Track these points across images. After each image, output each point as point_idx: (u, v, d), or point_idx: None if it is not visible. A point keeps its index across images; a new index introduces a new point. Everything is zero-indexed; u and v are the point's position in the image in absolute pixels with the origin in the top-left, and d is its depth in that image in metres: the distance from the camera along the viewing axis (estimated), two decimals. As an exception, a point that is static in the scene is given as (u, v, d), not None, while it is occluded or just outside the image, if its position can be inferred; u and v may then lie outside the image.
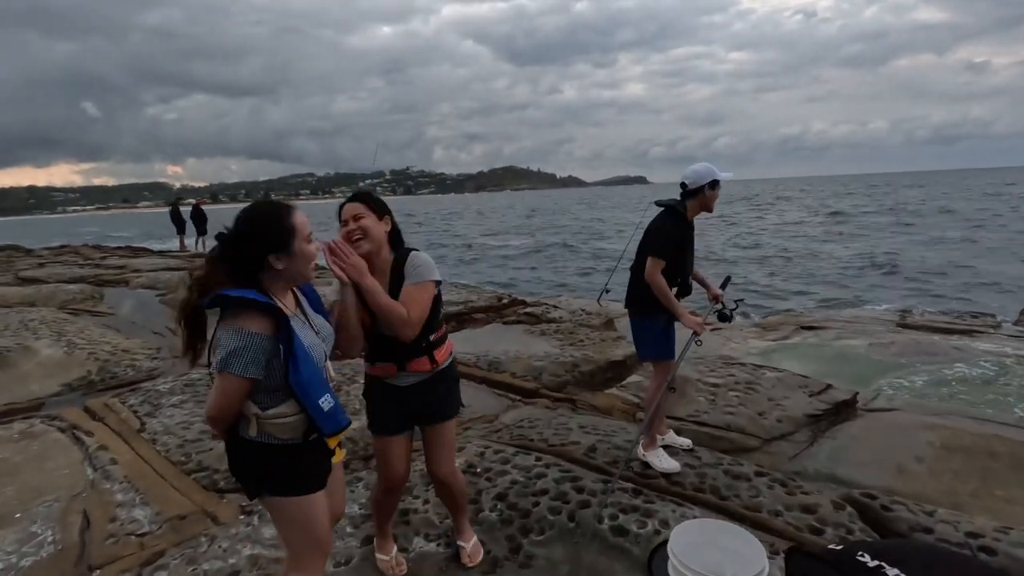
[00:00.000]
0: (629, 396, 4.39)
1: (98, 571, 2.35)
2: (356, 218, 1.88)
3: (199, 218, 17.80)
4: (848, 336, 6.98)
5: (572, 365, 4.91)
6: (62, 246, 22.78)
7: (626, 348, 5.45)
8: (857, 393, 4.34)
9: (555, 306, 7.67)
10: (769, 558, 1.82)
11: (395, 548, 2.30)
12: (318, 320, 1.73)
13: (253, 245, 1.55)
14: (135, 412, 4.01)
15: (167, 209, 19.38)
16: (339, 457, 1.74)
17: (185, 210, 18.44)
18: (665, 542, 2.01)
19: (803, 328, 7.62)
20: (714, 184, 2.85)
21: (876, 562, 1.29)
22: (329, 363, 1.71)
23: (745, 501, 2.63)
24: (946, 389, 4.98)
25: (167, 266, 13.23)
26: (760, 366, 4.92)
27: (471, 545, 2.29)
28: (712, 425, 3.73)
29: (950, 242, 21.86)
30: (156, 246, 22.38)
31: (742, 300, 3.21)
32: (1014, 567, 2.11)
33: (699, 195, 2.88)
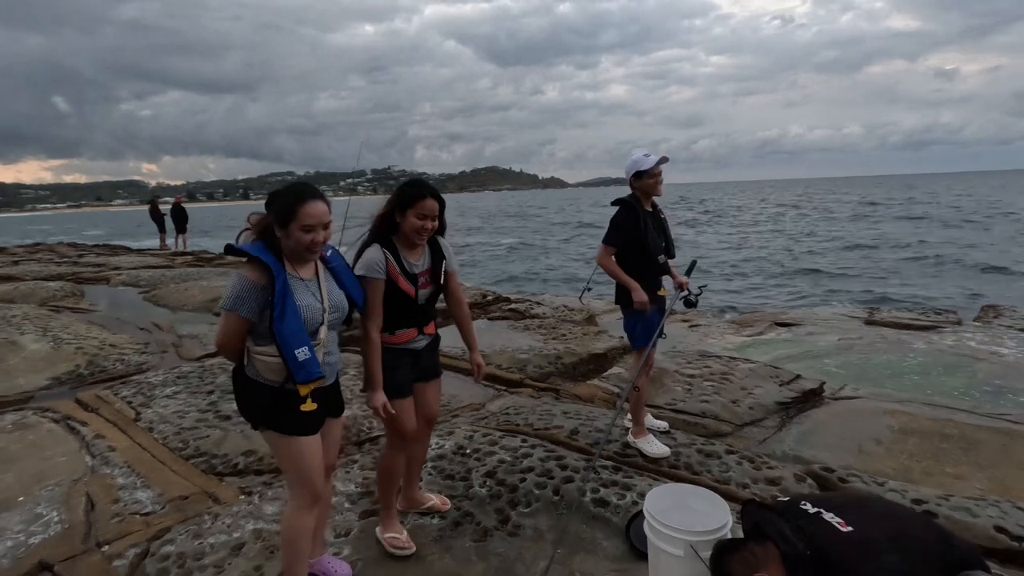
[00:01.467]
0: (610, 387, 4.58)
1: (107, 546, 2.46)
2: (434, 218, 2.15)
3: (179, 216, 17.68)
4: (820, 332, 7.27)
5: (555, 357, 5.09)
6: (36, 244, 22.37)
7: (607, 342, 5.65)
8: (824, 383, 4.60)
9: (538, 303, 7.86)
10: (735, 521, 2.02)
11: (404, 528, 2.40)
12: (332, 290, 1.95)
13: (268, 213, 1.84)
14: (129, 403, 4.08)
15: (143, 208, 19.19)
16: (308, 407, 1.86)
17: (165, 208, 18.28)
18: (642, 511, 2.20)
19: (778, 325, 7.90)
20: (638, 175, 3.05)
21: (816, 509, 1.51)
22: (325, 328, 1.88)
23: (716, 476, 2.83)
24: (907, 379, 5.26)
25: (147, 264, 13.15)
26: (734, 358, 5.16)
27: (435, 496, 2.60)
28: (688, 412, 3.95)
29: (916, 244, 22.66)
30: (133, 244, 22.09)
31: (705, 286, 3.39)
32: (955, 528, 2.34)
33: (634, 186, 3.10)
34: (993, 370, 5.29)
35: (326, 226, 1.83)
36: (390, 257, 2.15)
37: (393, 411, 2.17)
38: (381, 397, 2.14)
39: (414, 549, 2.32)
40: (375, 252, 2.14)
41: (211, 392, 4.19)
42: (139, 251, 17.93)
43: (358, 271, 2.12)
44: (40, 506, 2.80)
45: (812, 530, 1.47)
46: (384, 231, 2.18)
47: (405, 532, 2.39)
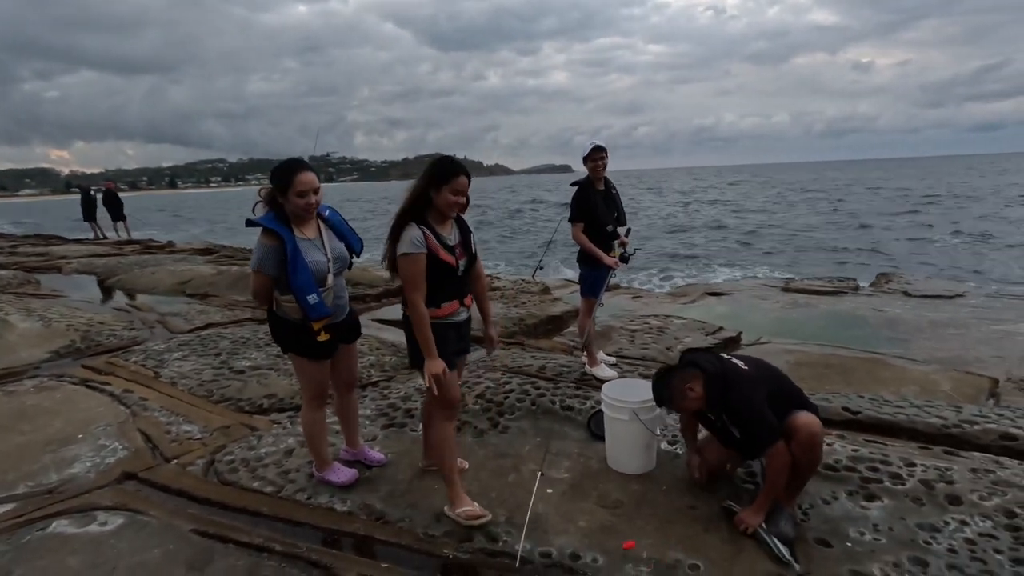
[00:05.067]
0: (566, 341, 5.39)
1: (176, 460, 3.03)
2: (466, 193, 2.32)
3: (113, 203, 17.18)
4: (744, 299, 8.38)
5: (519, 319, 5.86)
6: (-43, 236, 21.07)
7: (562, 307, 6.47)
8: (741, 332, 5.58)
9: (497, 277, 8.61)
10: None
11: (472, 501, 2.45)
12: (335, 245, 2.47)
13: (271, 182, 2.36)
14: (143, 366, 4.53)
15: (57, 198, 18.36)
16: (322, 338, 2.43)
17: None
18: (599, 411, 2.99)
19: (709, 294, 8.99)
20: (585, 159, 3.84)
21: (728, 356, 2.36)
22: (331, 276, 2.40)
23: (653, 391, 3.68)
24: (809, 331, 6.36)
25: (95, 253, 12.97)
26: (669, 316, 6.09)
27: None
28: (631, 357, 4.80)
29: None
30: (68, 235, 21.17)
31: (639, 249, 4.28)
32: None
33: (586, 168, 3.89)
34: (875, 322, 6.46)
35: (316, 191, 2.33)
36: (428, 232, 2.27)
37: (446, 379, 2.30)
38: (440, 364, 2.26)
39: (490, 516, 2.40)
40: (414, 230, 2.25)
41: (218, 354, 4.70)
42: (77, 241, 17.36)
43: (401, 250, 2.25)
44: (101, 440, 3.31)
45: (724, 364, 2.34)
46: (418, 207, 2.29)
47: (476, 504, 2.44)
